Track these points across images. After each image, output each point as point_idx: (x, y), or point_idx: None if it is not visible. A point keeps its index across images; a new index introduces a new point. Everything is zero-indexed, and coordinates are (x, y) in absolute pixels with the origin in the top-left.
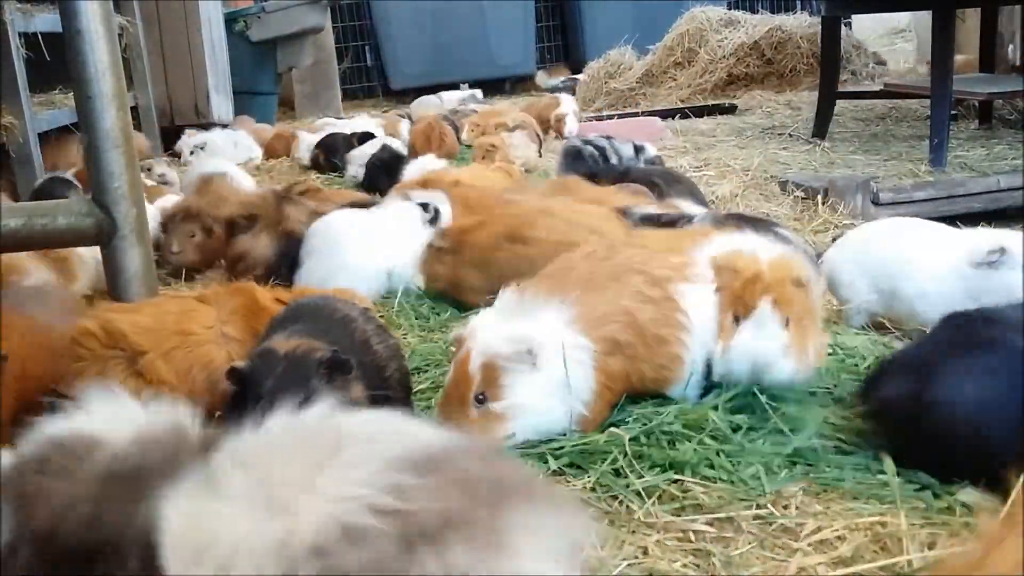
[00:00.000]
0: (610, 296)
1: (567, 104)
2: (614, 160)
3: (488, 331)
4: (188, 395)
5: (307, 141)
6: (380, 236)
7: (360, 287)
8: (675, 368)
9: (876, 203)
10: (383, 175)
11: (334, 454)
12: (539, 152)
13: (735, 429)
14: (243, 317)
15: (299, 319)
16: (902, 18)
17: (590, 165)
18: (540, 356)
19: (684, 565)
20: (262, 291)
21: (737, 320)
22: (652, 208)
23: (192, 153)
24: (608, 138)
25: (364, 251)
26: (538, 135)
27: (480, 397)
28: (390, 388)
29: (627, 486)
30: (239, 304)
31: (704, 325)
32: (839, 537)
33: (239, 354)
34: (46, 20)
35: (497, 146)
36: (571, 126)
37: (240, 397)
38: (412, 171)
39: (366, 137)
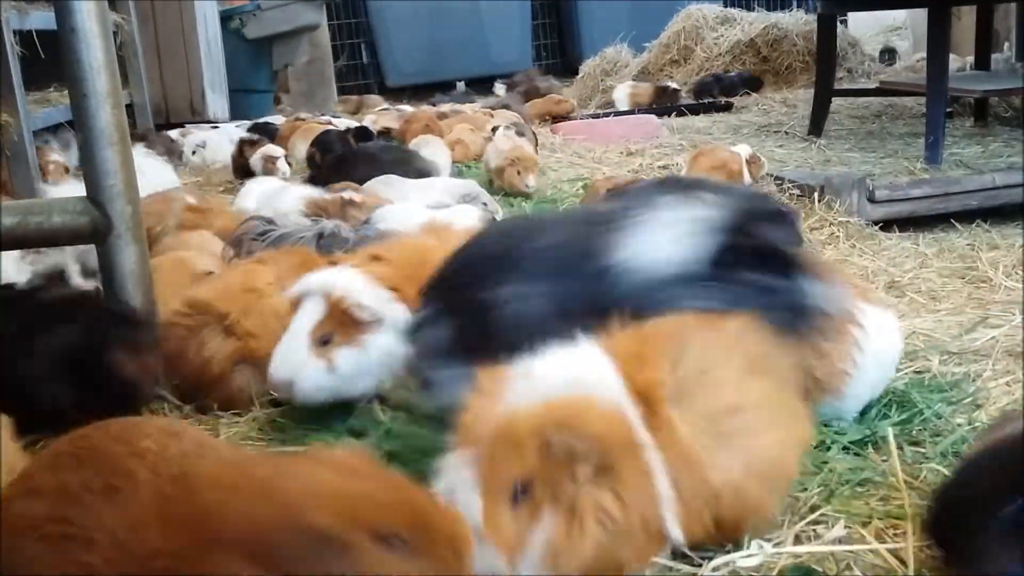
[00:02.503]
0: None
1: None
2: None
3: None
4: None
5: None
6: None
7: None
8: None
9: (872, 200)
10: None
11: None
12: (535, 149)
13: None
14: (300, 271)
15: None
16: (898, 15)
17: None
18: None
19: None
20: (313, 254)
21: None
22: None
23: (194, 153)
24: None
25: None
26: (534, 134)
27: None
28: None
29: None
30: (294, 262)
31: None
32: None
33: None
34: (41, 18)
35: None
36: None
37: None
38: None
39: (361, 133)
